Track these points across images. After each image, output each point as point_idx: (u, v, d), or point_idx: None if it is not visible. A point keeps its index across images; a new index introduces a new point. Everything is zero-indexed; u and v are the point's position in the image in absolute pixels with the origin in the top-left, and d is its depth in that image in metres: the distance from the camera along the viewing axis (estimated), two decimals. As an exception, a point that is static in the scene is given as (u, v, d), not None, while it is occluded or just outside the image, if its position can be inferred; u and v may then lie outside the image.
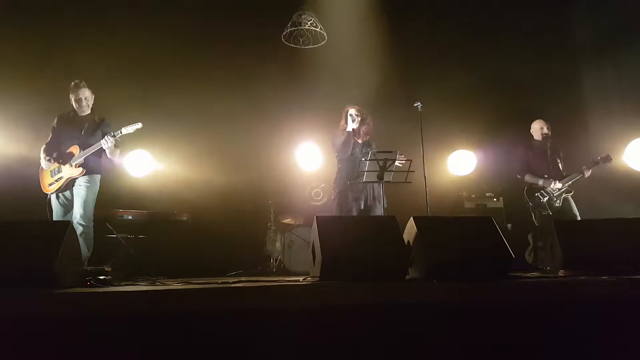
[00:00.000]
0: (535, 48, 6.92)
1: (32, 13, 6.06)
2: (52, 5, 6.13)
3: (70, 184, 4.63)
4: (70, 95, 4.80)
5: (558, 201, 5.61)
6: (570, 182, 5.62)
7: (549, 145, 5.85)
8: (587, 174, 5.63)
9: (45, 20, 6.10)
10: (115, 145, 4.65)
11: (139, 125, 4.69)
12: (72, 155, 4.66)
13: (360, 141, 5.28)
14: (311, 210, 6.52)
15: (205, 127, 6.62)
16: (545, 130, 5.87)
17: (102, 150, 4.66)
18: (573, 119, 6.81)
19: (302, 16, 6.33)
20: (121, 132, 4.63)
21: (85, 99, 4.77)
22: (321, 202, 5.12)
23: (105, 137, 4.57)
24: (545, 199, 5.63)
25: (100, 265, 3.67)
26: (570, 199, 5.64)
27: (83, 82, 4.80)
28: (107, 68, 5.95)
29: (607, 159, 5.69)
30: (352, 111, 5.25)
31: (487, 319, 2.63)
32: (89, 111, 4.84)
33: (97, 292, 2.77)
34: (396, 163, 4.73)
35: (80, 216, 4.47)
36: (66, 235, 3.04)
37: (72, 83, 4.79)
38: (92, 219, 4.60)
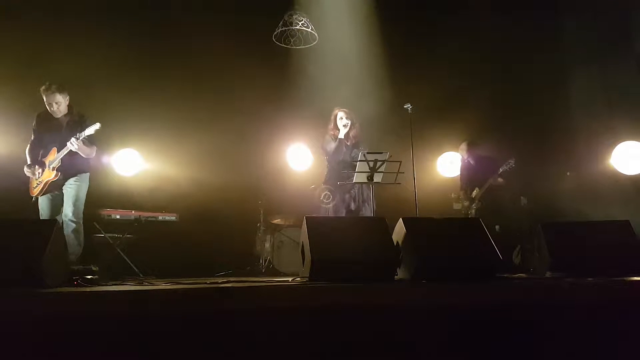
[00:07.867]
0: (524, 51, 6.96)
1: (18, 11, 5.99)
2: (41, 4, 6.06)
3: (53, 186, 4.58)
4: (43, 98, 4.61)
5: (469, 212, 5.99)
6: (481, 192, 5.94)
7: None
8: (495, 181, 5.87)
9: (35, 18, 6.02)
10: (85, 144, 4.54)
11: (98, 125, 4.51)
12: (48, 159, 4.61)
13: (348, 143, 5.28)
14: (301, 210, 6.51)
15: (195, 126, 6.59)
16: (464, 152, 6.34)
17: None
18: (559, 123, 6.86)
19: (294, 16, 6.33)
20: (84, 134, 4.50)
21: (56, 104, 4.58)
22: (331, 205, 5.11)
23: (70, 140, 4.46)
24: (459, 206, 6.10)
25: (87, 264, 3.65)
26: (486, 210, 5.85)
27: (54, 86, 4.54)
28: (97, 66, 5.92)
29: (509, 164, 5.83)
30: (340, 114, 5.24)
31: (475, 320, 2.65)
32: (61, 115, 4.67)
33: (85, 291, 2.74)
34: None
35: (72, 213, 4.50)
36: (53, 234, 3.01)
37: (42, 87, 4.55)
38: (82, 216, 4.61)
